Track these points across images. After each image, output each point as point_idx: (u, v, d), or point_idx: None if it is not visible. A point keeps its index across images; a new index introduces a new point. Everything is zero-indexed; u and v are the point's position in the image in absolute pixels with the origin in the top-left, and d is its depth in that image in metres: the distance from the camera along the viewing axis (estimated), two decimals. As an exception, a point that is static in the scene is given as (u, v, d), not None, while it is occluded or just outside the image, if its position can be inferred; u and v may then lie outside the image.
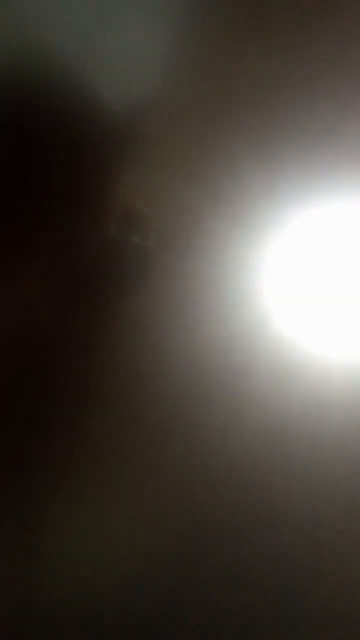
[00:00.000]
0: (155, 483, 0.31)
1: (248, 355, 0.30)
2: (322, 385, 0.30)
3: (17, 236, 0.29)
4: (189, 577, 0.31)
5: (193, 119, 0.30)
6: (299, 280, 0.30)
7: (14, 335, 0.30)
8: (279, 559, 0.31)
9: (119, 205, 0.30)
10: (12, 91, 0.29)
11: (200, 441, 0.30)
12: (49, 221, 0.29)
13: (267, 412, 0.30)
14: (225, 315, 0.30)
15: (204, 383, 0.30)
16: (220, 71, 0.30)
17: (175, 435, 0.30)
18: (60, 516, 0.31)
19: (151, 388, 0.30)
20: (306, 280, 0.30)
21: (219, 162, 0.29)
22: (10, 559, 0.31)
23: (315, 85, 0.30)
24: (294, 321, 0.30)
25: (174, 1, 0.29)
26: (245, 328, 0.30)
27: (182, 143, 0.30)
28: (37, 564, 0.31)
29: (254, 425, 0.30)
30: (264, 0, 0.30)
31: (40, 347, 0.30)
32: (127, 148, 0.29)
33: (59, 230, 0.30)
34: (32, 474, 0.31)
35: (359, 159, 0.29)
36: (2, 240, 0.29)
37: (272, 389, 0.30)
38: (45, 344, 0.30)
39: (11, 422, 0.30)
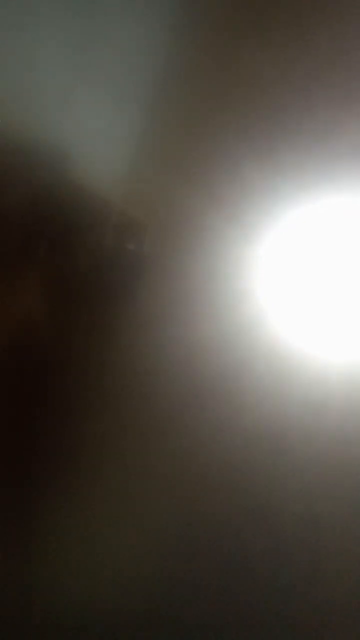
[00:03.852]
0: (152, 483, 0.31)
1: (244, 354, 0.30)
2: (319, 385, 0.30)
3: (15, 242, 0.29)
4: (187, 577, 0.31)
5: (189, 119, 0.30)
6: (296, 279, 0.30)
7: (12, 340, 0.30)
8: (276, 559, 0.31)
9: (115, 211, 0.30)
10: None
11: (197, 441, 0.30)
12: (46, 228, 0.29)
13: (264, 412, 0.30)
14: (221, 315, 0.30)
15: (200, 383, 0.30)
16: (217, 73, 0.30)
17: (172, 435, 0.30)
18: (59, 516, 0.31)
19: (148, 389, 0.30)
20: (303, 279, 0.30)
21: (215, 163, 0.29)
22: (10, 560, 0.31)
23: (314, 85, 0.29)
24: (291, 321, 0.30)
25: (171, 4, 0.29)
26: (242, 328, 0.30)
27: (178, 144, 0.30)
28: (36, 564, 0.31)
29: (251, 424, 0.30)
30: (261, 1, 0.29)
31: (38, 350, 0.30)
32: (123, 152, 0.29)
33: (55, 237, 0.30)
34: (30, 474, 0.31)
35: (356, 158, 0.29)
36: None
37: (269, 388, 0.30)
38: (43, 347, 0.30)
39: (10, 423, 0.31)
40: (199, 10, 0.30)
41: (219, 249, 0.29)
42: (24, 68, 0.29)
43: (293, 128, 0.29)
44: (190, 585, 0.31)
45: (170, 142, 0.30)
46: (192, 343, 0.30)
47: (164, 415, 0.30)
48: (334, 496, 0.30)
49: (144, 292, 0.30)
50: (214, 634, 0.31)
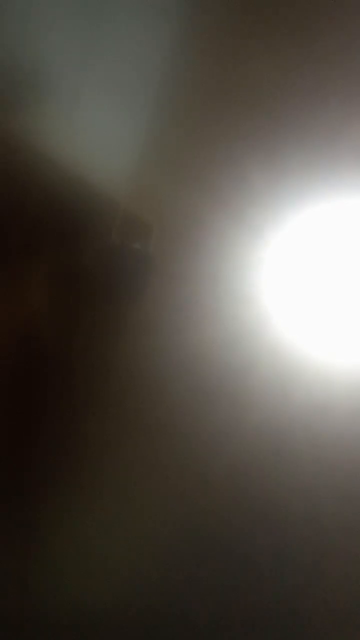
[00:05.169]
0: (156, 483, 0.31)
1: (248, 356, 0.30)
2: (322, 386, 0.30)
3: (21, 241, 0.29)
4: (189, 576, 0.31)
5: (195, 122, 0.30)
6: (300, 281, 0.30)
7: (17, 339, 0.30)
8: (279, 557, 0.31)
9: (121, 212, 0.30)
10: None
11: (201, 441, 0.30)
12: (52, 228, 0.29)
13: (267, 413, 0.30)
14: (225, 317, 0.30)
15: (205, 384, 0.30)
16: (222, 76, 0.30)
17: (176, 435, 0.30)
18: (60, 516, 0.31)
19: (152, 389, 0.30)
20: (306, 281, 0.30)
21: (221, 165, 0.29)
22: (10, 559, 0.31)
23: (318, 89, 0.30)
24: (294, 322, 0.30)
25: (176, 9, 0.29)
26: (246, 329, 0.30)
27: (184, 146, 0.30)
28: (36, 563, 0.31)
29: (254, 425, 0.30)
30: (264, 2, 0.30)
31: (42, 348, 0.30)
32: (130, 153, 0.29)
33: (61, 236, 0.30)
34: (32, 474, 0.31)
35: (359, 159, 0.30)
36: (4, 246, 0.29)
37: (272, 390, 0.30)
38: (47, 345, 0.30)
39: (13, 422, 0.30)
40: (204, 14, 0.30)
41: (224, 251, 0.29)
42: (32, 70, 0.29)
43: (297, 132, 0.29)
44: (191, 583, 0.31)
45: (176, 145, 0.30)
46: (196, 344, 0.30)
47: (168, 416, 0.30)
48: (336, 495, 0.30)
49: (148, 293, 0.30)
50: (216, 632, 0.31)
